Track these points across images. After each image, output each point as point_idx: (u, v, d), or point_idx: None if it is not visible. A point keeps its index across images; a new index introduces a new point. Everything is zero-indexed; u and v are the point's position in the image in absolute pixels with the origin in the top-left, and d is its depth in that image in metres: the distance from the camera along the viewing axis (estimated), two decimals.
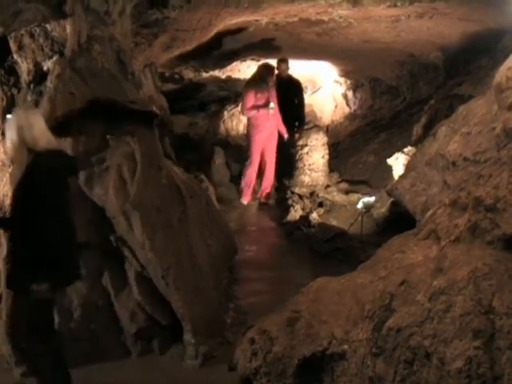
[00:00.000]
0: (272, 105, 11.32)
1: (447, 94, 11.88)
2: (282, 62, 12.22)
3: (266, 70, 11.88)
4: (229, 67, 14.79)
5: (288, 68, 12.37)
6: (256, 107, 11.37)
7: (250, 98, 11.45)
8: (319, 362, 3.58)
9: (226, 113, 17.32)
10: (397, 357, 3.13)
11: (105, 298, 6.16)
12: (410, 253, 3.78)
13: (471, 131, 4.89)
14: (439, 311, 3.05)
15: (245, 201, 11.66)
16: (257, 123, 11.57)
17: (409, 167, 6.92)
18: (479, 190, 3.56)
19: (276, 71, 12.05)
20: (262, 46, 12.36)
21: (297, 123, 12.57)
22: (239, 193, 11.66)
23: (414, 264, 3.59)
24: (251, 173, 11.65)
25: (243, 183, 11.70)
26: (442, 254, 3.41)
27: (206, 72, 14.85)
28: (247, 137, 12.33)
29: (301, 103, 13.02)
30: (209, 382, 5.59)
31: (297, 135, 12.49)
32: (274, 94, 11.53)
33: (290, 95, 12.37)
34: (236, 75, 15.58)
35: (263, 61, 12.89)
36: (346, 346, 3.45)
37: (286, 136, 11.82)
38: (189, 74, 14.94)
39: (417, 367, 3.04)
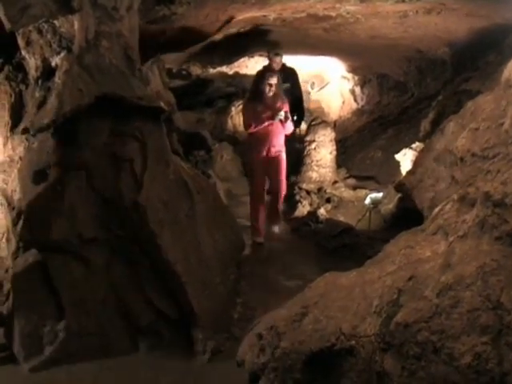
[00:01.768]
0: (282, 113, 9.11)
1: (455, 89, 11.86)
2: (278, 55, 11.53)
3: (257, 77, 11.60)
4: (236, 63, 14.82)
5: (281, 61, 11.69)
6: (259, 120, 9.13)
7: (249, 112, 9.38)
8: (327, 357, 3.58)
9: (233, 109, 17.37)
10: (405, 352, 3.13)
11: (113, 293, 6.18)
12: (418, 248, 3.78)
13: (479, 127, 4.87)
14: (447, 307, 3.05)
15: (260, 239, 9.37)
16: (257, 142, 9.32)
17: (416, 163, 6.90)
18: (487, 186, 3.55)
19: (272, 64, 11.54)
20: (269, 41, 12.35)
21: (295, 117, 11.69)
22: (252, 230, 9.45)
23: (422, 259, 3.59)
24: (258, 208, 9.43)
25: (253, 221, 9.48)
26: (450, 250, 3.41)
27: (214, 68, 14.87)
28: (246, 161, 10.76)
29: (298, 93, 12.30)
30: (216, 377, 5.61)
31: (297, 130, 11.89)
32: (282, 100, 9.42)
33: (286, 86, 11.82)
34: (243, 71, 15.61)
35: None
36: (353, 342, 3.45)
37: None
38: (196, 70, 14.98)
39: (425, 362, 3.04)
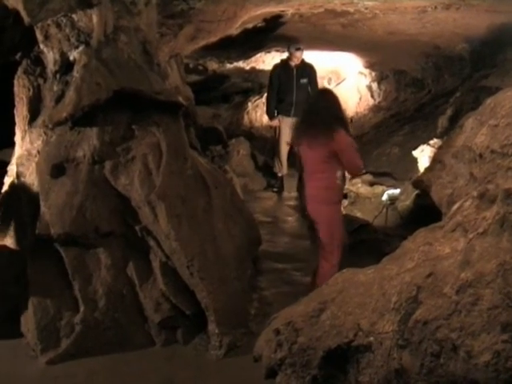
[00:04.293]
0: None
1: (473, 86, 11.81)
2: (299, 49, 11.58)
3: (274, 70, 11.60)
4: (253, 58, 14.77)
5: (302, 55, 11.77)
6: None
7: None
8: (344, 353, 3.58)
9: (249, 104, 17.35)
10: (423, 349, 3.12)
11: (129, 288, 6.20)
12: (437, 245, 3.76)
13: (499, 123, 4.84)
14: (467, 304, 3.03)
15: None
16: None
17: (435, 159, 6.87)
18: (508, 183, 3.54)
19: (292, 58, 11.63)
20: (287, 37, 12.32)
21: None
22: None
23: (441, 256, 3.57)
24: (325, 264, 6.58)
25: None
26: (469, 247, 3.38)
27: (230, 63, 14.85)
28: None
29: (315, 90, 11.69)
30: (232, 372, 5.61)
31: None
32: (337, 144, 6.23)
33: (304, 81, 11.78)
34: (260, 66, 15.56)
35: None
36: (371, 338, 3.44)
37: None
38: (213, 65, 14.96)
39: (443, 360, 3.03)
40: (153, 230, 6.10)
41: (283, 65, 11.74)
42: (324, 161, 6.24)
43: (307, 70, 11.83)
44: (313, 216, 6.53)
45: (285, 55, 12.67)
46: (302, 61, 11.77)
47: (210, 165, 7.40)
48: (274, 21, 11.15)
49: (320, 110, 6.30)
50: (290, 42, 11.87)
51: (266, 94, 13.34)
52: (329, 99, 6.48)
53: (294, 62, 11.63)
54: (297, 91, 11.42)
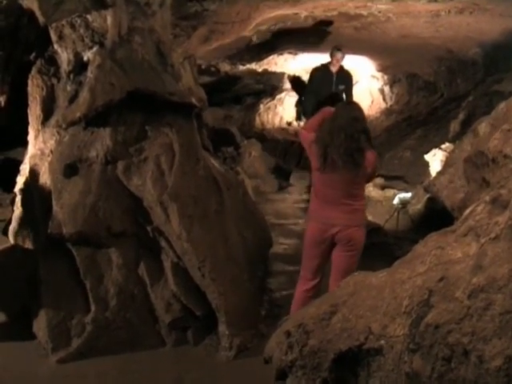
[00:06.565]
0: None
1: (486, 90, 11.79)
2: (339, 50, 11.22)
3: (313, 74, 11.57)
4: (265, 60, 14.77)
5: (343, 57, 11.39)
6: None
7: (314, 160, 5.80)
8: (355, 356, 3.57)
9: (261, 106, 17.35)
10: (434, 353, 3.11)
11: (141, 288, 6.22)
12: (449, 249, 3.74)
13: None
14: (478, 309, 3.02)
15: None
16: (315, 206, 5.99)
17: (447, 163, 6.85)
18: None
19: (333, 61, 11.28)
20: (300, 39, 12.32)
21: None
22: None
23: (453, 261, 3.56)
24: (299, 289, 6.12)
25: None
26: (481, 252, 3.37)
27: (243, 65, 14.85)
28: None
29: (350, 99, 11.58)
30: (242, 374, 5.62)
31: None
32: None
33: (342, 87, 11.53)
34: (272, 68, 15.57)
35: (301, 55, 12.64)
36: (382, 341, 3.43)
37: None
38: (225, 66, 14.96)
39: (454, 364, 3.02)
40: (164, 230, 6.12)
41: (324, 69, 11.56)
42: (359, 182, 5.87)
43: (345, 77, 11.65)
44: (341, 241, 5.84)
45: (297, 57, 12.66)
46: (342, 67, 11.52)
47: (222, 166, 7.40)
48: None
49: (352, 130, 5.63)
50: (301, 45, 11.85)
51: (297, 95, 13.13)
52: (358, 118, 5.79)
53: (336, 67, 11.43)
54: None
